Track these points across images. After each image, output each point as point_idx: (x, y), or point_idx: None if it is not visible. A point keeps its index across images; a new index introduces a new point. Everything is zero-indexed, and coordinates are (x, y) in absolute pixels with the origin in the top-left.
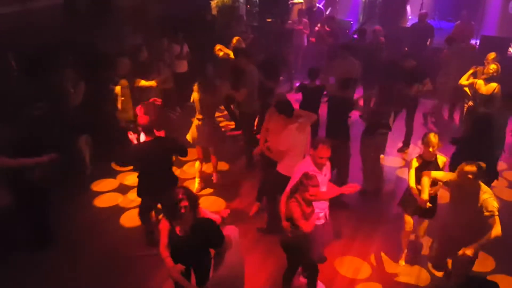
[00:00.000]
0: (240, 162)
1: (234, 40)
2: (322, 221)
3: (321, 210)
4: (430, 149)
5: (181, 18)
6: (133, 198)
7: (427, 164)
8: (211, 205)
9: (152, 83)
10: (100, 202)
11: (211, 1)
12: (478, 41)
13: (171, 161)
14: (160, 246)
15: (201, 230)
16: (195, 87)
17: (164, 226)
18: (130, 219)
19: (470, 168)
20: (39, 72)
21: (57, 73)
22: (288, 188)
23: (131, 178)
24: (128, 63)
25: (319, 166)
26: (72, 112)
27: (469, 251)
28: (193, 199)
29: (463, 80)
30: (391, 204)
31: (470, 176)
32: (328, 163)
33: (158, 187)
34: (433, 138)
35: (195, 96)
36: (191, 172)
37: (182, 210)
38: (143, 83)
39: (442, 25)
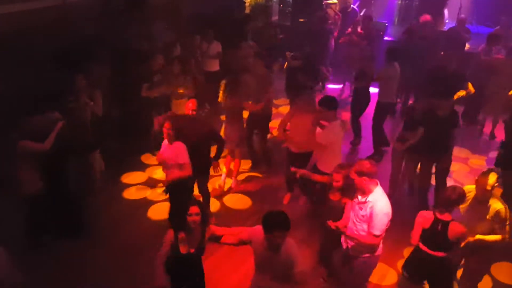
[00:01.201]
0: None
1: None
2: None
3: None
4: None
5: (213, 16)
6: (160, 191)
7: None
8: (236, 203)
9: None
10: (129, 194)
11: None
12: None
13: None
14: (158, 252)
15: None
16: (222, 86)
17: (169, 237)
18: (158, 212)
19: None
20: (71, 68)
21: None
22: None
23: (160, 172)
24: (161, 59)
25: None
26: (89, 126)
27: (472, 238)
28: (206, 215)
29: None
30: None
31: (488, 187)
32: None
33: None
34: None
35: (221, 95)
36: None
37: (192, 225)
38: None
39: (480, 30)
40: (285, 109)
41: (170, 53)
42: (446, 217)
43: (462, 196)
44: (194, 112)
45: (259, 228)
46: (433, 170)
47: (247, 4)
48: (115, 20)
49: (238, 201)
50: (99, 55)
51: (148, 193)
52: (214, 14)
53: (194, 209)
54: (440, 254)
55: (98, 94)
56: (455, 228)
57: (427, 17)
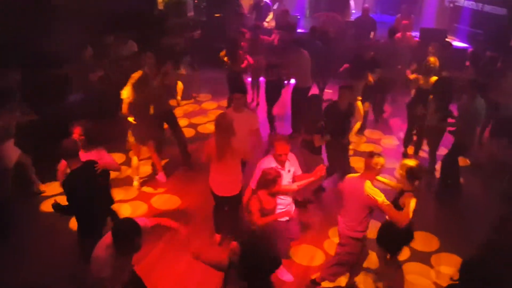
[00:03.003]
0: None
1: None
2: (285, 218)
3: (284, 206)
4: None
5: (126, 14)
6: None
7: None
8: (165, 204)
9: None
10: (48, 206)
11: None
12: (418, 34)
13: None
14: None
15: None
16: (131, 81)
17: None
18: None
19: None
20: None
21: None
22: (250, 186)
23: None
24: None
25: (280, 163)
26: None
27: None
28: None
29: (409, 75)
30: None
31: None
32: (292, 159)
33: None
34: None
35: (128, 91)
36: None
37: None
38: None
39: (384, 18)
40: (208, 105)
41: (81, 55)
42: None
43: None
44: (82, 137)
45: None
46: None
47: (159, 1)
48: (18, 21)
49: (167, 202)
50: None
51: None
52: (127, 12)
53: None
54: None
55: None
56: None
57: (327, 14)
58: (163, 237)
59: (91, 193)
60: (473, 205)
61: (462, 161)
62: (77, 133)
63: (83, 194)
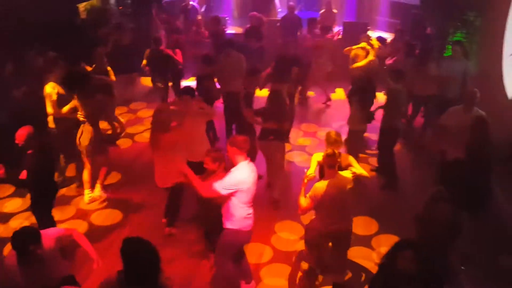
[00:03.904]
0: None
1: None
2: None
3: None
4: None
5: (46, 25)
6: (15, 225)
7: None
8: (106, 220)
9: None
10: None
11: (78, 5)
12: (341, 28)
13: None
14: None
15: None
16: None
17: None
18: None
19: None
20: None
21: None
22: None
23: (13, 204)
24: None
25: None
26: None
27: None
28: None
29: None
30: (283, 188)
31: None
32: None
33: None
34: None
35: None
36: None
37: None
38: None
39: (309, 15)
40: (144, 113)
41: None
42: None
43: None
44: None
45: None
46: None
47: (82, 9)
48: None
49: (108, 217)
50: None
51: (1, 231)
52: (48, 23)
53: None
54: None
55: None
56: None
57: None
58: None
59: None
60: (407, 187)
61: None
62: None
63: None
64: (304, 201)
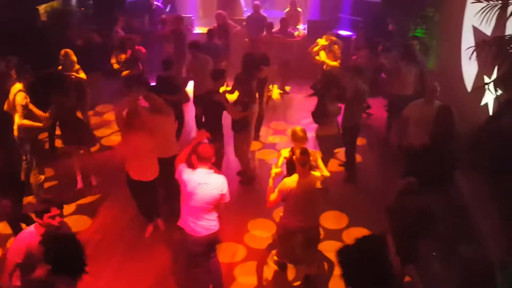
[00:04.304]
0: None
1: (62, 52)
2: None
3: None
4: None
5: (5, 29)
6: None
7: None
8: (74, 226)
9: None
10: None
11: (38, 7)
12: (306, 26)
13: None
14: None
15: None
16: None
17: None
18: None
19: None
20: None
21: None
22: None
23: None
24: None
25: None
26: None
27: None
28: None
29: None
30: (255, 187)
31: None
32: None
33: None
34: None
35: None
36: None
37: None
38: None
39: (275, 14)
40: (110, 115)
41: None
42: None
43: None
44: None
45: None
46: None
47: (42, 12)
48: None
49: (77, 223)
50: None
51: None
52: (6, 26)
53: None
54: None
55: None
56: None
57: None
58: None
59: None
60: (373, 181)
61: (360, 141)
62: None
63: None
64: (272, 195)
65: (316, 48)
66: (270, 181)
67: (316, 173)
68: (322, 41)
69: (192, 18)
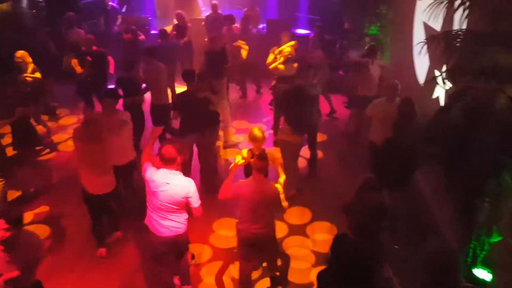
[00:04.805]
0: None
1: (18, 54)
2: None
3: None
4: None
5: None
6: None
7: None
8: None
9: None
10: None
11: None
12: (265, 25)
13: None
14: None
15: None
16: None
17: None
18: None
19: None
20: None
21: None
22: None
23: None
24: None
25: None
26: None
27: None
28: None
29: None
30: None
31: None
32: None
33: None
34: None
35: None
36: None
37: None
38: None
39: (234, 13)
40: (67, 120)
41: None
42: None
43: None
44: None
45: None
46: None
47: None
48: None
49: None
50: None
51: None
52: None
53: None
54: None
55: None
56: None
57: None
58: None
59: None
60: (335, 175)
61: (320, 137)
62: None
63: None
64: (226, 190)
65: (272, 65)
66: (231, 174)
67: (277, 185)
68: (276, 51)
69: (150, 18)
